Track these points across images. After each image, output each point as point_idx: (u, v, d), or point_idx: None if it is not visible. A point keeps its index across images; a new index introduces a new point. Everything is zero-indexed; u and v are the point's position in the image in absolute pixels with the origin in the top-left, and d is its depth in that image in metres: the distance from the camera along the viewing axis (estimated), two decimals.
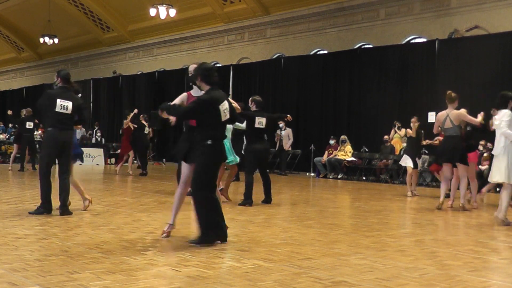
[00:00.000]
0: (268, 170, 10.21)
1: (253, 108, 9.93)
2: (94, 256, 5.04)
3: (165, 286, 4.15)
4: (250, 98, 10.15)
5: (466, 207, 9.61)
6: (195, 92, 6.14)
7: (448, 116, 9.51)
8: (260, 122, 9.67)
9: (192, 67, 6.26)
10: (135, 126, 16.35)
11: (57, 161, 7.82)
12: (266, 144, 10.11)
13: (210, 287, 4.15)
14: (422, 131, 12.20)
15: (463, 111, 9.54)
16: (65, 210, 7.67)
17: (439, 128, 9.97)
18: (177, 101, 6.20)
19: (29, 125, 16.67)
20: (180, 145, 6.19)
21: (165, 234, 6.12)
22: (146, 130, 16.71)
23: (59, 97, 7.65)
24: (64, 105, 7.63)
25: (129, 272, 4.52)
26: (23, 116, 17.42)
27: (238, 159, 9.87)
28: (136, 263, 4.83)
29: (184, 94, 6.23)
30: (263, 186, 9.83)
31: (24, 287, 4.00)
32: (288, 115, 10.76)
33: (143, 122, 16.54)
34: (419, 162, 12.24)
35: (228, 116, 5.87)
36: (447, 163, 9.78)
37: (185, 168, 6.09)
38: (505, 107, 8.04)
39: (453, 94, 9.63)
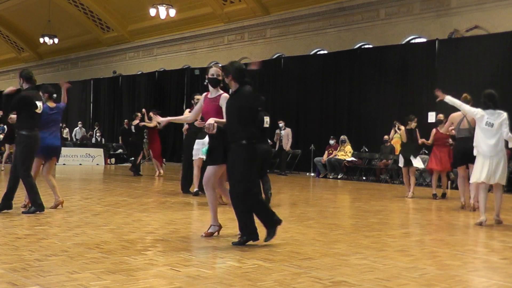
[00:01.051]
0: (268, 170, 10.24)
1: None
2: (94, 256, 5.04)
3: (165, 286, 4.15)
4: None
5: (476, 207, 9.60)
6: (213, 93, 6.14)
7: (465, 117, 9.49)
8: (267, 121, 9.80)
9: (214, 70, 6.19)
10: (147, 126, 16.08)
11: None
12: (269, 144, 10.17)
13: (210, 287, 4.15)
14: (416, 130, 12.24)
15: None
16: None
17: (451, 129, 9.98)
18: (198, 106, 6.29)
19: None
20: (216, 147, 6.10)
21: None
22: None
23: (36, 99, 7.74)
24: (40, 105, 7.75)
25: (129, 272, 4.52)
26: None
27: None
28: (136, 263, 4.83)
29: (202, 97, 6.25)
30: (262, 186, 9.85)
31: (24, 287, 4.00)
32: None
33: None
34: (417, 161, 12.22)
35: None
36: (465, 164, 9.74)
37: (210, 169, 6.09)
38: (495, 106, 7.98)
39: (468, 97, 9.60)
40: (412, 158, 12.08)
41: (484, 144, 7.86)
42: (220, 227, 6.25)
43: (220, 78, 6.15)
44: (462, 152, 9.50)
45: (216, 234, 6.22)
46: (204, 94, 6.30)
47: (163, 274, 4.52)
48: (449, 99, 8.30)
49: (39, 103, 7.77)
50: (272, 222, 5.81)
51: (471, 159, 9.37)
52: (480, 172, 7.86)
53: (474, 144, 8.06)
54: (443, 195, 11.81)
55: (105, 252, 5.25)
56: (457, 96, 9.55)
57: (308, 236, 6.53)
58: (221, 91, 6.16)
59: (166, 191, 11.63)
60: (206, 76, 6.27)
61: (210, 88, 6.19)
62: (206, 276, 4.46)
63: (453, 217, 8.94)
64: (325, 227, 7.34)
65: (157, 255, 5.19)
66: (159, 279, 4.34)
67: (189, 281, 4.31)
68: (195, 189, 10.63)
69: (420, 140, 12.10)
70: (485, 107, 7.94)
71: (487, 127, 7.85)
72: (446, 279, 4.59)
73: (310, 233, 6.75)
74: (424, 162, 15.64)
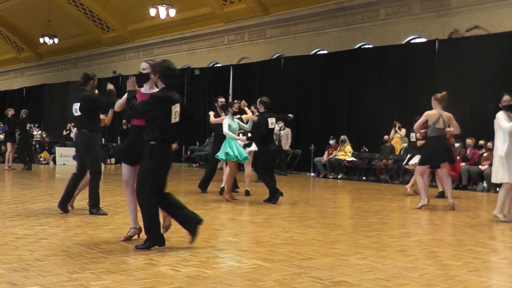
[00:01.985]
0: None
1: (262, 109, 10.16)
2: (94, 256, 5.04)
3: (165, 286, 4.15)
4: (258, 100, 10.43)
5: (455, 206, 9.69)
6: (145, 89, 5.97)
7: (441, 116, 9.58)
8: (272, 122, 9.92)
9: (145, 65, 6.02)
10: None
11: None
12: (275, 144, 10.34)
13: (210, 287, 4.15)
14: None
15: (451, 115, 9.69)
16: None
17: (423, 131, 10.12)
18: (122, 100, 6.11)
19: (29, 126, 16.95)
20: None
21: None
22: None
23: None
24: (75, 107, 7.81)
25: (129, 272, 4.52)
26: (24, 117, 17.45)
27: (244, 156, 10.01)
28: (136, 263, 4.84)
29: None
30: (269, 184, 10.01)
31: (24, 287, 4.00)
32: (291, 115, 11.22)
33: None
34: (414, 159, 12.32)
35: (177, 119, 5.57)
36: (443, 163, 9.81)
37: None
38: (498, 109, 8.24)
39: (446, 96, 9.79)
40: (410, 157, 12.22)
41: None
42: (140, 230, 5.92)
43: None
44: (442, 148, 9.62)
45: (136, 237, 5.96)
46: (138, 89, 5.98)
47: (163, 274, 4.51)
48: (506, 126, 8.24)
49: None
50: (189, 223, 5.58)
51: (443, 158, 9.56)
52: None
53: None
54: (442, 194, 11.90)
55: (105, 252, 5.25)
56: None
57: (308, 236, 6.53)
58: (155, 89, 5.87)
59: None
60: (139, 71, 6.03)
61: (145, 84, 5.98)
62: (206, 276, 4.46)
63: (453, 217, 8.94)
64: (325, 227, 7.34)
65: (157, 255, 5.19)
66: (159, 279, 4.34)
67: (189, 281, 4.31)
68: (245, 189, 11.09)
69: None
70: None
71: None
72: (446, 279, 4.59)
73: (310, 233, 6.75)
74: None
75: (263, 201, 9.83)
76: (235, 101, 10.91)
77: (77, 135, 8.03)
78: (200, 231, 5.64)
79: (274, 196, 9.78)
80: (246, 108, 11.13)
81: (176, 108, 5.51)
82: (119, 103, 6.25)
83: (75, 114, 7.87)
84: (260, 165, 10.47)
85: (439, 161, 9.71)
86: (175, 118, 5.50)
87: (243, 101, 11.17)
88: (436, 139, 9.67)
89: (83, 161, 7.83)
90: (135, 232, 5.97)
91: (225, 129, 9.87)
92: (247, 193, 10.95)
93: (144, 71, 5.97)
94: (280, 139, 18.53)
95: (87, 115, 7.74)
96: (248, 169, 10.87)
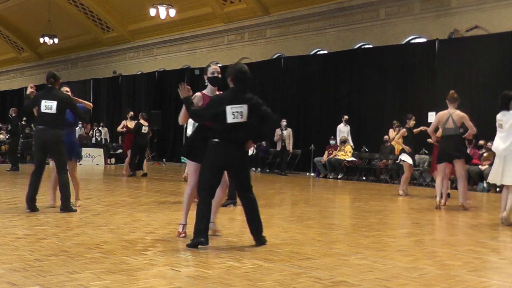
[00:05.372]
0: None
1: None
2: (94, 256, 5.04)
3: (165, 286, 4.15)
4: None
5: (466, 206, 9.63)
6: (209, 91, 6.09)
7: (450, 116, 9.52)
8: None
9: (213, 68, 6.12)
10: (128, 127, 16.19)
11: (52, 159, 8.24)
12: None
13: (210, 287, 4.15)
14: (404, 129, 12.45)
15: (465, 115, 9.60)
16: (66, 206, 7.84)
17: (437, 127, 10.06)
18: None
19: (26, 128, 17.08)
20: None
21: (183, 235, 6.16)
22: (145, 129, 16.40)
23: (43, 97, 7.96)
24: (48, 105, 7.88)
25: (129, 272, 4.52)
26: (13, 115, 17.47)
27: None
28: (136, 263, 4.83)
29: (199, 95, 6.09)
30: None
31: (24, 287, 4.00)
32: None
33: (142, 121, 16.36)
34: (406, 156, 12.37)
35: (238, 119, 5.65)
36: (447, 162, 9.80)
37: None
38: (506, 107, 8.05)
39: (455, 95, 9.68)
40: (403, 154, 12.29)
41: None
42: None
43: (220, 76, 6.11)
44: (453, 148, 9.60)
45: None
46: (201, 92, 6.11)
47: (163, 274, 4.51)
48: None
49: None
50: (197, 231, 5.61)
51: (465, 155, 9.57)
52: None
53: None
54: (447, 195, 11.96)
55: (105, 252, 5.25)
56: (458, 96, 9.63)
57: (308, 236, 6.53)
58: (217, 92, 6.11)
59: (166, 191, 11.63)
60: (205, 76, 6.20)
61: (209, 86, 6.13)
62: (206, 276, 4.46)
63: (453, 217, 8.94)
64: (325, 227, 7.34)
65: (157, 255, 5.19)
66: (159, 279, 4.34)
67: (189, 281, 4.31)
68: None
69: (421, 128, 12.20)
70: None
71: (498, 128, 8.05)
72: (446, 279, 4.59)
73: (310, 233, 6.75)
74: (422, 161, 15.67)
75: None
76: None
77: (46, 131, 7.95)
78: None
79: (229, 200, 9.50)
80: None
81: (235, 108, 5.60)
82: (182, 115, 6.15)
83: (48, 111, 7.91)
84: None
85: (445, 160, 9.72)
86: (233, 118, 5.59)
87: None
88: (445, 139, 9.68)
89: (45, 158, 8.10)
90: (184, 228, 6.18)
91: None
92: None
93: (214, 75, 6.10)
94: (283, 139, 18.52)
95: (62, 115, 7.98)
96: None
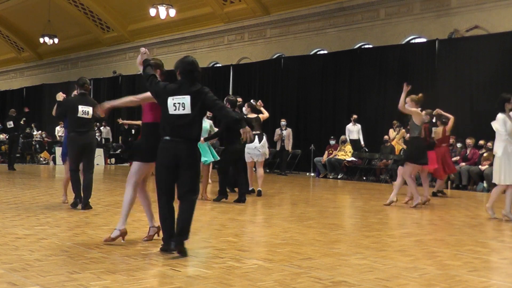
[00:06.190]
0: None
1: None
2: (94, 256, 5.04)
3: (165, 286, 4.15)
4: (225, 98, 10.33)
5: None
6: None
7: (411, 118, 9.99)
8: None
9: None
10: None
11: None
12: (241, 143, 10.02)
13: (210, 287, 4.15)
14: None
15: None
16: (86, 204, 8.19)
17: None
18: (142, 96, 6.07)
19: (9, 124, 17.23)
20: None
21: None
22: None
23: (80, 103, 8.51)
24: (85, 110, 8.44)
25: (129, 272, 4.52)
26: (14, 115, 17.51)
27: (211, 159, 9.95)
28: (136, 263, 4.83)
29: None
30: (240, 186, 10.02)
31: (24, 287, 4.00)
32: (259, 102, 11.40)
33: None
34: None
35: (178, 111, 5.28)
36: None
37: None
38: (502, 110, 8.21)
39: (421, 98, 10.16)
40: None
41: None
42: (159, 228, 5.80)
43: None
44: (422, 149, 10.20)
45: (156, 236, 5.93)
46: None
47: (163, 274, 4.51)
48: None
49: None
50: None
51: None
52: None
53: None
54: (442, 193, 12.08)
55: (105, 252, 5.25)
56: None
57: (308, 236, 6.53)
58: None
59: None
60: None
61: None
62: (206, 276, 4.46)
63: (453, 217, 8.95)
64: (325, 227, 7.34)
65: (157, 255, 5.19)
66: (159, 279, 4.34)
67: (189, 281, 4.31)
68: (254, 188, 11.06)
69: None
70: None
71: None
72: (446, 279, 4.59)
73: (310, 233, 6.75)
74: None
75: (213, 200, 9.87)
76: (251, 100, 10.90)
77: (85, 135, 8.38)
78: (199, 231, 5.65)
79: (220, 196, 9.80)
80: (262, 108, 11.11)
81: (177, 99, 5.27)
82: (147, 96, 5.93)
83: (84, 116, 8.46)
84: (220, 161, 10.25)
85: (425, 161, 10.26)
86: (175, 110, 5.27)
87: (259, 101, 11.13)
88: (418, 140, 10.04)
89: (81, 159, 8.45)
90: (154, 231, 6.00)
91: None
92: (259, 193, 10.86)
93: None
94: (283, 139, 18.51)
95: (94, 119, 8.74)
96: (260, 170, 10.93)
